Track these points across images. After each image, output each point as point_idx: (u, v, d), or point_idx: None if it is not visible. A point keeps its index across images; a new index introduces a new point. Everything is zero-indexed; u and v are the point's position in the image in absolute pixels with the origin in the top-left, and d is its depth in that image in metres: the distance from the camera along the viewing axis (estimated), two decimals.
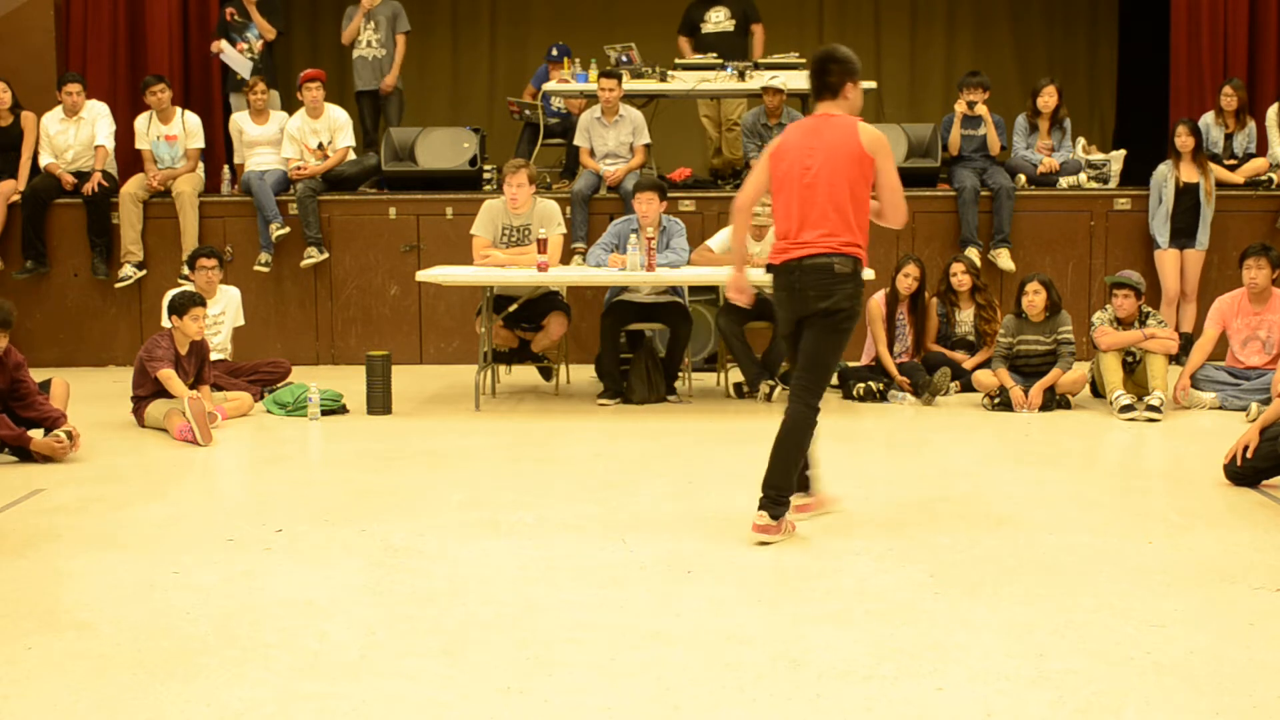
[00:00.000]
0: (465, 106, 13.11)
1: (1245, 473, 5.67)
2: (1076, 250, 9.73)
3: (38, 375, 6.79)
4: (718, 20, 10.56)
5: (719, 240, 8.39)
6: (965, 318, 8.47)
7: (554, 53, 10.77)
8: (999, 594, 4.23)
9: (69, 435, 6.38)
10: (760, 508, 4.83)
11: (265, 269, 9.63)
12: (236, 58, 10.27)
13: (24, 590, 4.36)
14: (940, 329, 8.48)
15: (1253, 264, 7.74)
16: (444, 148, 10.01)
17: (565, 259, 8.79)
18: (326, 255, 9.70)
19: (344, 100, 10.78)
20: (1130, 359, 7.79)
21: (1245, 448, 5.63)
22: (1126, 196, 9.72)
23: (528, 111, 10.62)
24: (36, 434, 6.41)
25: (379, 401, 7.68)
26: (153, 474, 6.25)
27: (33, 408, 6.47)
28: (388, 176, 9.96)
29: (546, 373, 8.71)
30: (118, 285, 9.72)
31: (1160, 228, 9.40)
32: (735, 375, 8.41)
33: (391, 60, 10.50)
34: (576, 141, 9.80)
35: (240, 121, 10.02)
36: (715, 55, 10.22)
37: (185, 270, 8.58)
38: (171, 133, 9.84)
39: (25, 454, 6.37)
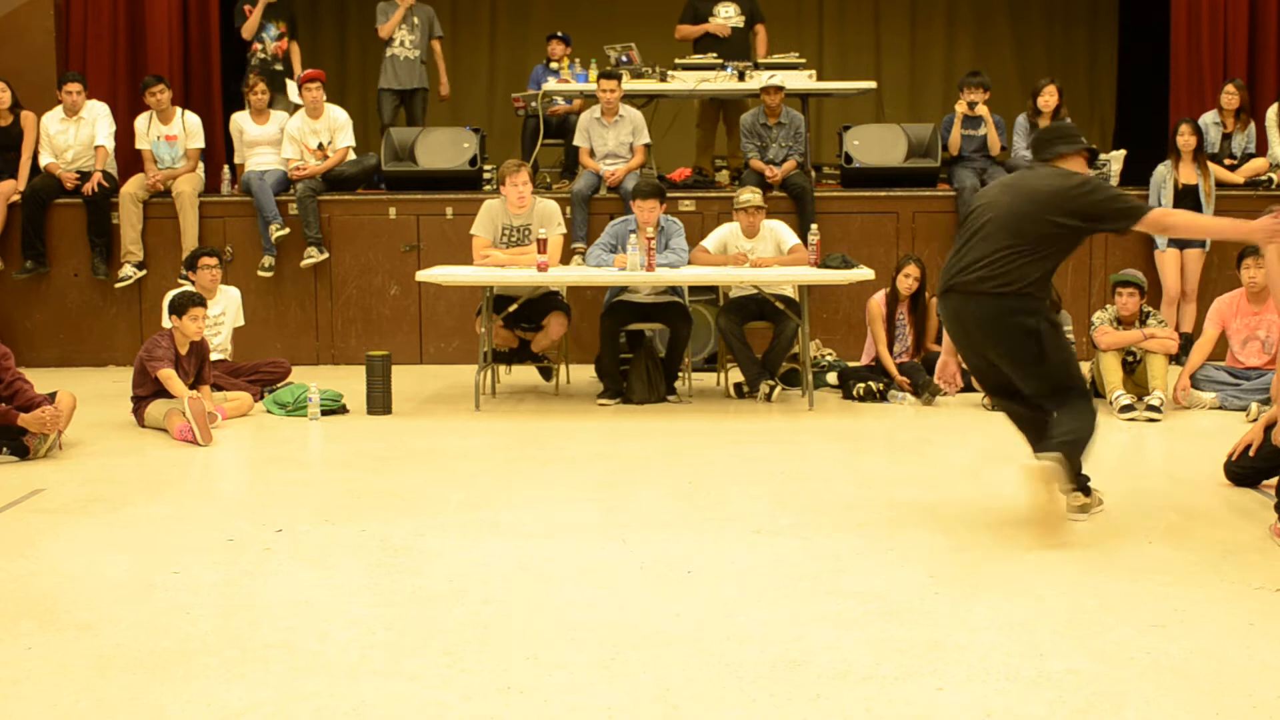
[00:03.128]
0: (465, 106, 13.11)
1: (1245, 473, 5.66)
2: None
3: (40, 379, 6.78)
4: (727, 16, 10.54)
5: (712, 240, 8.38)
6: None
7: (558, 34, 10.80)
8: (999, 594, 4.23)
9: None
10: None
11: (269, 273, 9.63)
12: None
13: (24, 590, 4.36)
14: (940, 329, 8.47)
15: (1250, 264, 7.73)
16: (444, 148, 10.00)
17: (565, 259, 8.79)
18: (326, 255, 9.70)
19: (344, 99, 10.78)
20: (1130, 359, 7.79)
21: (1247, 446, 5.62)
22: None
23: (533, 105, 10.61)
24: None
25: (379, 401, 7.68)
26: (153, 474, 6.25)
27: (18, 396, 6.47)
28: (388, 176, 9.95)
29: (546, 373, 8.70)
30: (118, 285, 9.71)
31: None
32: (735, 375, 8.41)
33: (424, 60, 10.58)
34: (576, 142, 9.79)
35: (240, 121, 10.01)
36: (715, 55, 10.21)
37: (185, 270, 8.58)
38: (171, 133, 9.84)
39: (23, 451, 6.38)
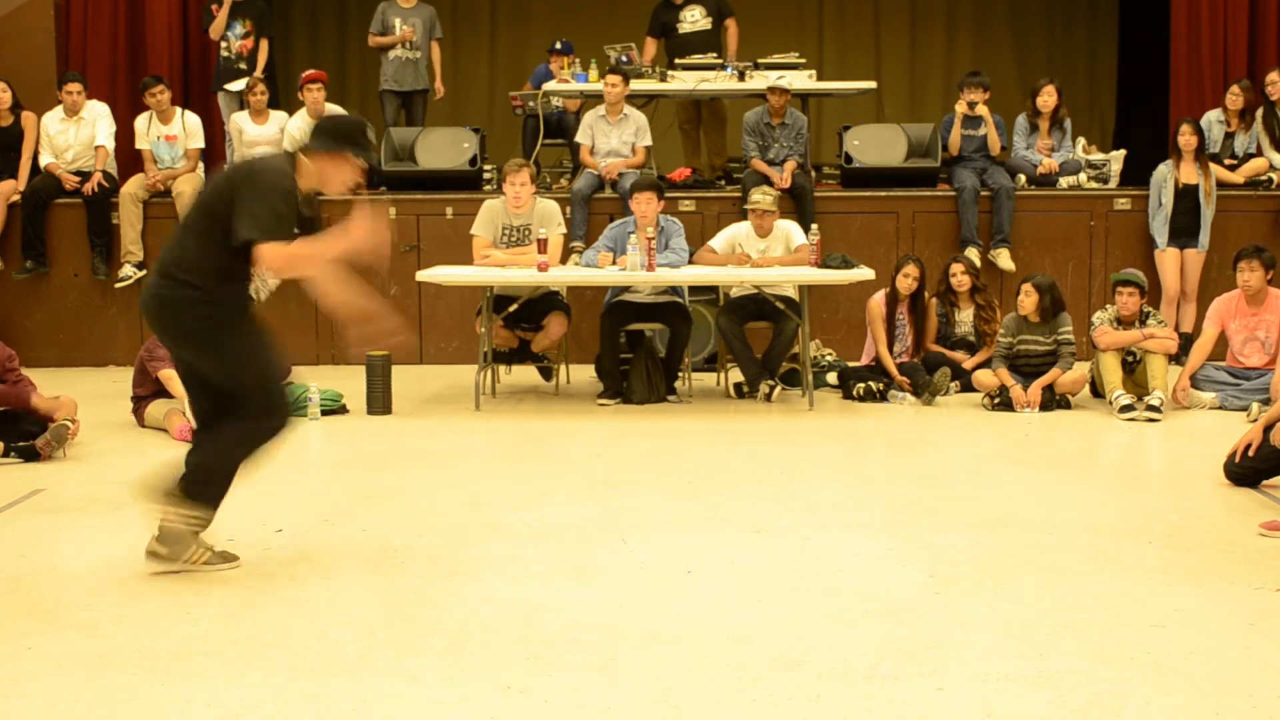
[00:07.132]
0: (465, 106, 13.11)
1: (1245, 473, 5.66)
2: (1076, 250, 9.73)
3: (40, 379, 6.77)
4: (694, 20, 10.54)
5: (721, 240, 8.39)
6: (965, 318, 8.47)
7: (558, 45, 10.79)
8: (999, 594, 4.23)
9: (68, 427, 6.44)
10: None
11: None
12: None
13: (24, 590, 4.36)
14: (940, 329, 8.48)
15: (1245, 266, 7.73)
16: (444, 148, 9.99)
17: (565, 259, 8.79)
18: None
19: (344, 100, 10.77)
20: (1130, 359, 7.79)
21: (1247, 446, 5.62)
22: (1126, 196, 9.72)
23: (530, 104, 10.59)
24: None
25: (379, 401, 7.68)
26: None
27: (20, 399, 6.48)
28: (388, 176, 9.95)
29: (546, 373, 8.70)
30: (118, 285, 9.71)
31: (1160, 229, 9.40)
32: (735, 375, 8.40)
33: (425, 62, 10.55)
34: (578, 139, 9.74)
35: (240, 121, 10.01)
36: (685, 56, 10.22)
37: None
38: (171, 133, 9.84)
39: (30, 454, 6.37)
